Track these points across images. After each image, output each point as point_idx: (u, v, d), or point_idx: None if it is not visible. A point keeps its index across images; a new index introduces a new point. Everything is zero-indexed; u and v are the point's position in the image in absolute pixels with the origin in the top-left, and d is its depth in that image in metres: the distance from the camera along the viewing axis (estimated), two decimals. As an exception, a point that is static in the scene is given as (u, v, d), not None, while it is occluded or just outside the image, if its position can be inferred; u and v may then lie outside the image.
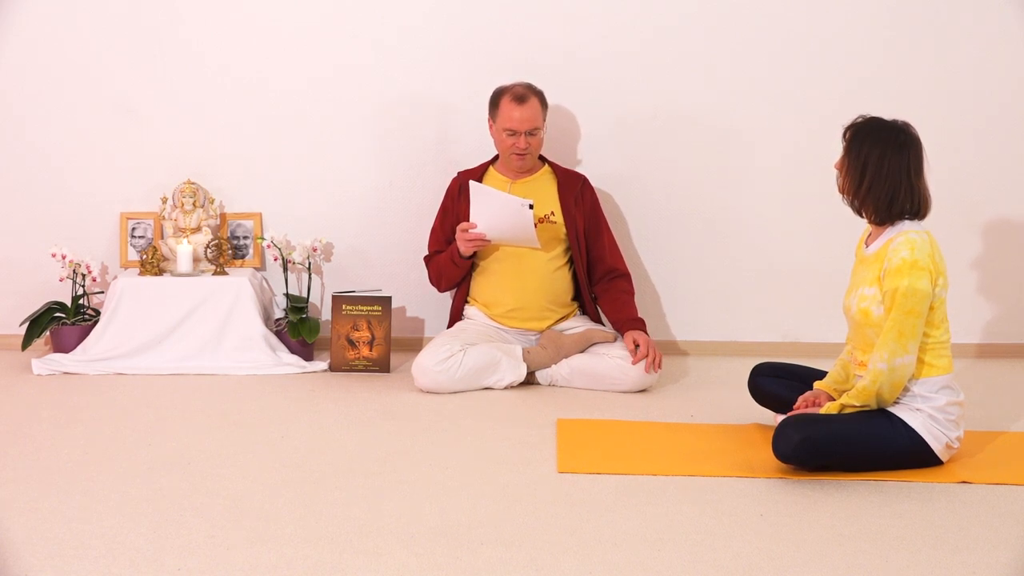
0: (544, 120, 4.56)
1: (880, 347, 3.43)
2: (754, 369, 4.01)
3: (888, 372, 3.42)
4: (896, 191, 3.46)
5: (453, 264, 4.56)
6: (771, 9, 4.92)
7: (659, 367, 4.42)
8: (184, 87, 4.96)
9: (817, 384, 3.73)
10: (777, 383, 3.92)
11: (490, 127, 4.61)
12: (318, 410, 4.16)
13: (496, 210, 4.40)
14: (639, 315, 4.60)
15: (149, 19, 4.91)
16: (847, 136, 3.55)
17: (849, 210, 3.60)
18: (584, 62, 4.95)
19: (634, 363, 4.38)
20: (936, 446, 3.48)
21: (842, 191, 3.57)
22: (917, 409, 3.48)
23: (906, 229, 3.48)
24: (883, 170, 3.46)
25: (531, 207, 4.34)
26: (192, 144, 4.99)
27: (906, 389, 3.49)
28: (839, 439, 3.43)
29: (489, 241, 4.48)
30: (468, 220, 4.51)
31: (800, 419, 3.49)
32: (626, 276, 4.68)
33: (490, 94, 4.58)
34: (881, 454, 3.46)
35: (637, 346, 4.42)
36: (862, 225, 3.67)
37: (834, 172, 3.60)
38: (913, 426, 3.46)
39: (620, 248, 4.75)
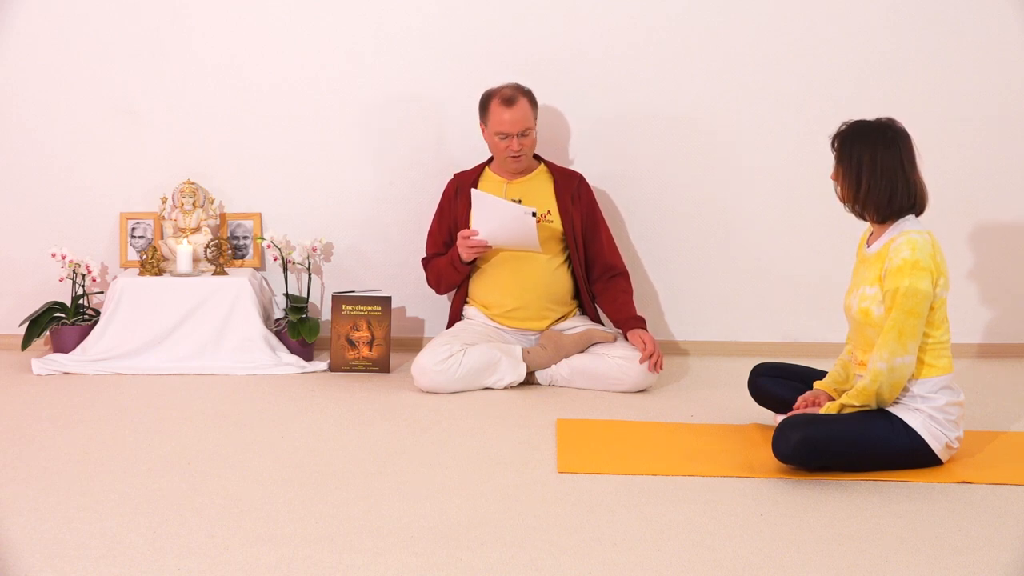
0: (535, 119, 4.56)
1: (880, 347, 3.42)
2: (754, 369, 4.01)
3: (888, 372, 3.41)
4: (894, 187, 3.47)
5: (454, 269, 4.56)
6: (770, 8, 4.92)
7: (660, 368, 4.43)
8: (184, 87, 4.96)
9: (817, 384, 3.73)
10: (777, 383, 3.91)
11: (482, 131, 4.60)
12: (318, 410, 4.16)
13: (498, 217, 4.40)
14: (638, 314, 4.61)
15: (149, 19, 4.91)
16: (835, 145, 3.55)
17: (848, 212, 3.59)
18: (582, 61, 4.95)
19: (641, 362, 4.38)
20: (936, 446, 3.48)
21: (842, 200, 3.57)
22: (917, 409, 3.48)
23: (907, 229, 3.48)
24: (877, 169, 3.46)
25: (534, 215, 4.34)
26: (192, 144, 4.99)
27: (906, 389, 3.49)
28: (839, 439, 3.43)
29: (490, 247, 4.48)
30: (467, 223, 4.51)
31: (799, 419, 3.49)
32: (624, 274, 4.68)
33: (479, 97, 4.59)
34: (881, 454, 3.46)
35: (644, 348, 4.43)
36: (862, 224, 3.67)
37: (831, 182, 3.60)
38: (913, 426, 3.46)
39: (618, 247, 4.75)
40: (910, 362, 3.43)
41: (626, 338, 4.52)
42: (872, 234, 3.61)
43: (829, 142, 3.58)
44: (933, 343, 3.48)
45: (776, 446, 3.46)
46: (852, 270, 3.70)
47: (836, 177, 3.56)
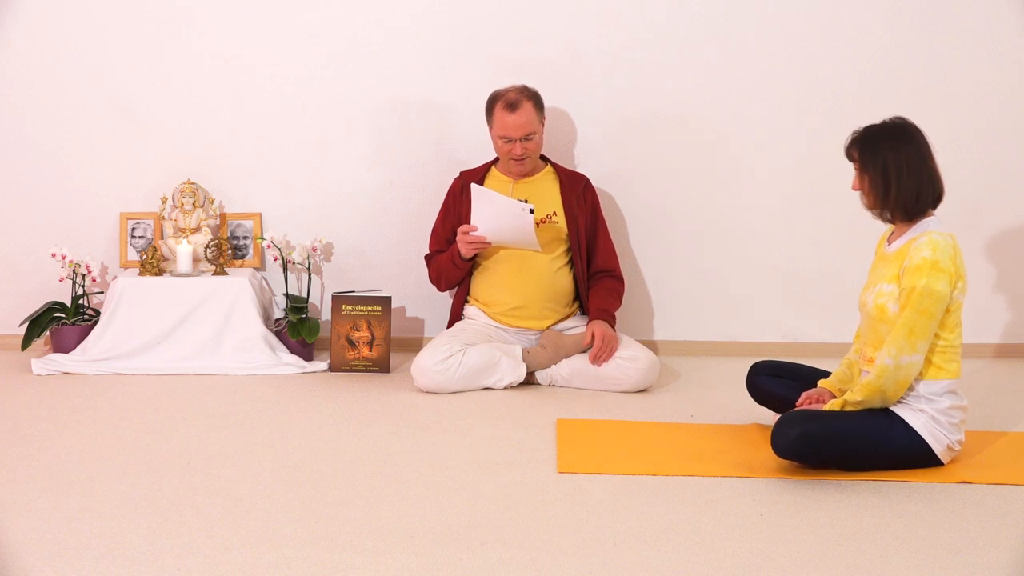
0: (541, 122, 4.55)
1: (889, 343, 3.41)
2: (752, 368, 4.00)
3: (894, 369, 3.40)
4: (920, 182, 3.44)
5: (453, 265, 4.56)
6: (770, 9, 4.92)
7: (607, 358, 4.40)
8: (184, 87, 4.96)
9: (821, 383, 3.72)
10: (775, 382, 3.91)
11: (489, 131, 4.60)
12: (318, 410, 4.16)
13: (497, 213, 4.40)
14: (615, 312, 4.57)
15: (149, 19, 4.91)
16: (855, 155, 3.51)
17: (850, 210, 3.58)
18: (583, 62, 4.94)
19: (590, 354, 4.40)
20: (937, 447, 3.47)
21: (870, 207, 3.53)
22: (920, 410, 3.48)
23: (930, 229, 3.46)
24: (903, 166, 3.43)
25: (532, 211, 4.34)
26: (192, 144, 4.99)
27: (911, 388, 3.48)
28: (836, 435, 3.42)
29: (490, 244, 4.48)
30: (469, 222, 4.51)
31: (797, 415, 3.49)
32: (617, 277, 4.65)
33: (487, 97, 4.58)
34: (879, 452, 3.45)
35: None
36: (863, 224, 3.66)
37: (837, 175, 3.58)
38: (915, 426, 3.45)
39: (618, 249, 4.75)
40: (917, 361, 3.42)
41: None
42: (894, 232, 3.59)
43: (845, 153, 3.53)
44: (945, 346, 3.47)
45: (774, 442, 3.46)
46: (870, 267, 3.67)
47: (860, 186, 3.52)
